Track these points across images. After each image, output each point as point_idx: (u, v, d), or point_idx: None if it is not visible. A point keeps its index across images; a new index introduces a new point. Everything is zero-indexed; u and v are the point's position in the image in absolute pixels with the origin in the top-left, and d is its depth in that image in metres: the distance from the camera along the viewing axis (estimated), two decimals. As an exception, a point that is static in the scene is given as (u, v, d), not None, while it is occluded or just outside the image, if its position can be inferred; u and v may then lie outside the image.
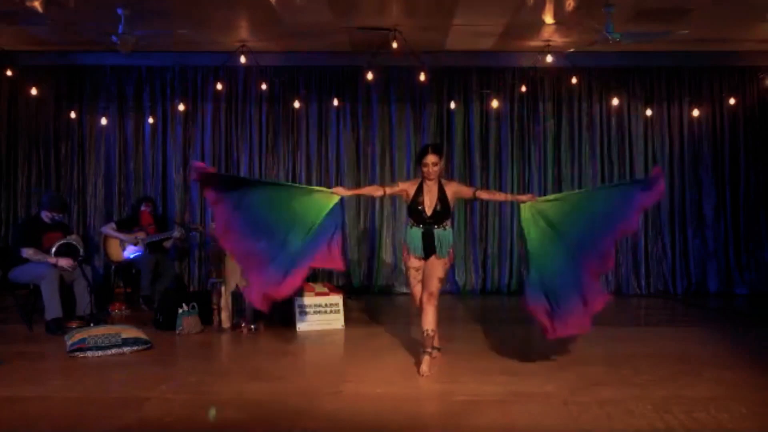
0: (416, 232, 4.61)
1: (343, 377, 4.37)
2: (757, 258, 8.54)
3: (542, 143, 8.64)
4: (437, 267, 4.55)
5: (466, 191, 4.84)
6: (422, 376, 4.27)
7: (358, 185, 8.20)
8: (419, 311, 4.60)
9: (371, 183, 8.17)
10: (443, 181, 4.68)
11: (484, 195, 4.93)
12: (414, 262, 4.65)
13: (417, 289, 4.69)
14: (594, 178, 8.61)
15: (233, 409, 3.69)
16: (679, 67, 8.59)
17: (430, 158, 4.55)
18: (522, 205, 4.71)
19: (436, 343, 4.70)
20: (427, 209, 4.57)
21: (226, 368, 4.86)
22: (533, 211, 4.67)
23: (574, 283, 4.51)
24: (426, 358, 4.38)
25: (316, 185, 8.63)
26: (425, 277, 4.58)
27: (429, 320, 4.46)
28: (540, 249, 4.62)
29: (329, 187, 5.08)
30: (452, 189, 4.68)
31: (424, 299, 4.51)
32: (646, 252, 8.57)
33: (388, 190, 4.84)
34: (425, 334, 4.45)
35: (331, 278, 8.38)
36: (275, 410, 3.65)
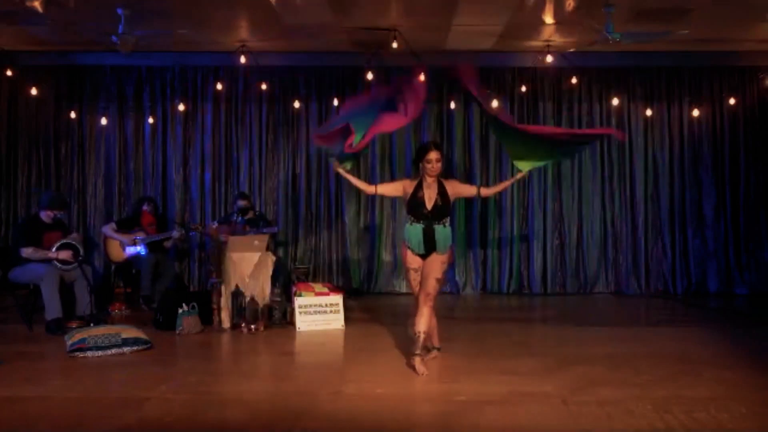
0: (416, 228, 4.53)
1: (343, 377, 4.37)
2: (757, 258, 8.55)
3: (542, 143, 8.63)
4: (435, 267, 4.49)
5: (469, 190, 4.92)
6: (421, 375, 4.25)
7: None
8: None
9: (371, 183, 8.15)
10: (443, 179, 4.65)
11: (487, 192, 4.97)
12: (413, 263, 4.58)
13: (418, 291, 4.63)
14: (594, 177, 8.61)
15: (233, 409, 3.69)
16: (679, 67, 8.60)
17: (434, 155, 4.50)
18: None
19: (435, 343, 4.70)
20: (427, 203, 4.51)
21: (226, 368, 4.85)
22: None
23: None
24: (417, 359, 4.32)
25: (316, 186, 8.66)
26: (423, 277, 4.52)
27: (422, 322, 4.40)
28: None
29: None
30: (453, 187, 4.65)
31: (421, 300, 4.46)
32: (646, 252, 8.57)
33: (380, 189, 4.87)
34: (417, 336, 4.37)
35: (332, 278, 8.39)
36: (275, 410, 3.64)
